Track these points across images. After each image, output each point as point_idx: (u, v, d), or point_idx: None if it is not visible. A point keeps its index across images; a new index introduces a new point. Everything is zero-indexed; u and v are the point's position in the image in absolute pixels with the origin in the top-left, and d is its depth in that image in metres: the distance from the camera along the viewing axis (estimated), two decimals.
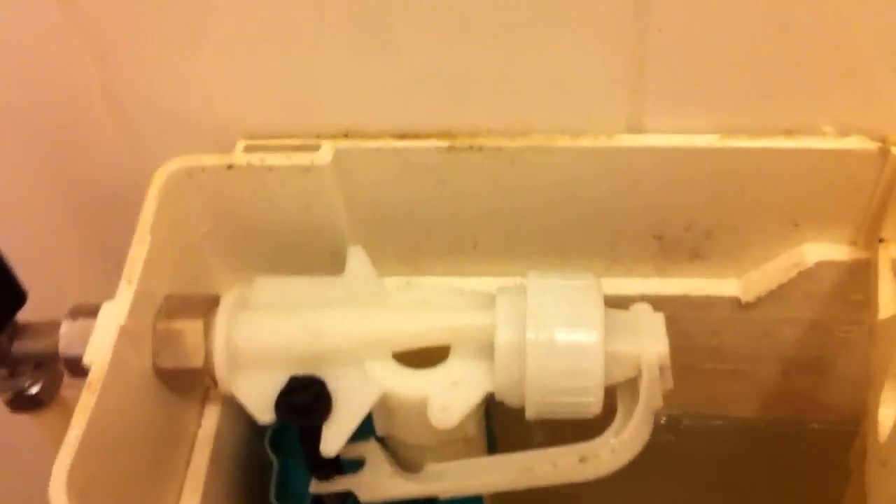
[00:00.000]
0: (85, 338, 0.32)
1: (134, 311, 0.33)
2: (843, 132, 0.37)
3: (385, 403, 0.35)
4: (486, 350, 0.34)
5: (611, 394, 0.34)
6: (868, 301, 0.38)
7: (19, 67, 0.38)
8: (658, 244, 0.41)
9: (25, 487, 0.36)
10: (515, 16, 0.35)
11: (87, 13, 0.36)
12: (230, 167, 0.37)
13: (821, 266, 0.40)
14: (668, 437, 0.50)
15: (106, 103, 0.39)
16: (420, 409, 0.34)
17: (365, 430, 0.36)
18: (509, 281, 0.36)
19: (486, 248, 0.42)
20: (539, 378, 0.33)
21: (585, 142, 0.37)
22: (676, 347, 0.44)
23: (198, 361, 0.34)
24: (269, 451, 0.40)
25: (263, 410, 0.34)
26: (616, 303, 0.41)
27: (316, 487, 0.37)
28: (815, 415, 0.49)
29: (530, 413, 0.34)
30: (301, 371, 0.35)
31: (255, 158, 0.37)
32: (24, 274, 0.35)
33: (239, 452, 0.41)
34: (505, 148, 0.38)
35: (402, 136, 0.38)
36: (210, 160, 0.37)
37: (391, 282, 0.42)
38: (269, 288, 0.37)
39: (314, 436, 0.34)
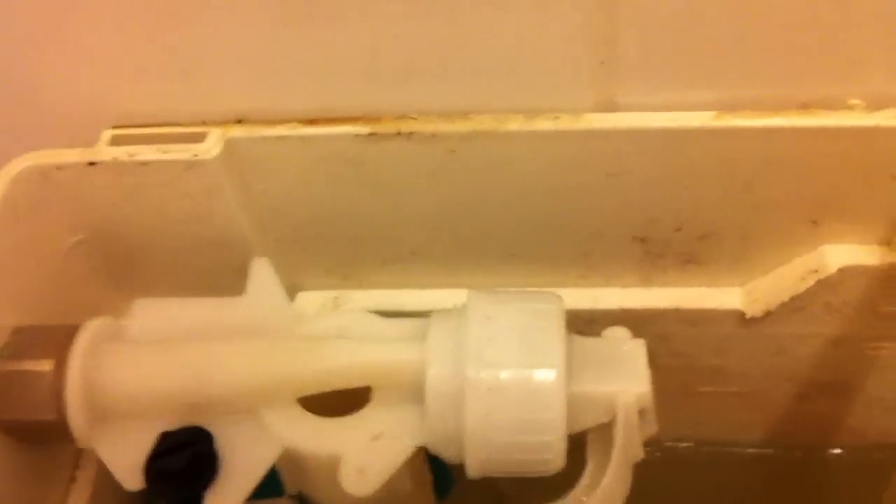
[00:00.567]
0: None
1: None
2: (875, 105, 0.31)
3: (292, 459, 0.28)
4: (417, 394, 0.28)
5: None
6: None
7: None
8: (642, 248, 0.35)
9: None
10: None
11: None
12: (92, 164, 0.30)
13: (845, 272, 0.35)
14: (666, 466, 0.45)
15: None
16: (333, 470, 0.28)
17: (276, 485, 0.30)
18: (458, 297, 0.30)
19: (430, 257, 0.36)
20: (482, 430, 0.27)
21: (543, 124, 0.32)
22: (670, 368, 0.39)
23: (49, 412, 0.28)
24: None
25: (135, 475, 0.28)
26: (591, 318, 0.35)
27: None
28: (837, 440, 0.43)
29: (473, 472, 0.28)
30: (184, 422, 0.28)
31: (122, 153, 0.30)
32: None
33: None
34: (441, 134, 0.32)
35: (312, 122, 0.32)
36: (68, 156, 0.30)
37: (316, 298, 0.37)
38: (149, 314, 0.30)
39: None
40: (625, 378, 0.28)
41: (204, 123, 0.32)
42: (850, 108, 0.31)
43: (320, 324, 0.30)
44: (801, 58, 0.31)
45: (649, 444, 0.31)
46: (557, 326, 0.28)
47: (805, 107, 0.31)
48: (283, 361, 0.29)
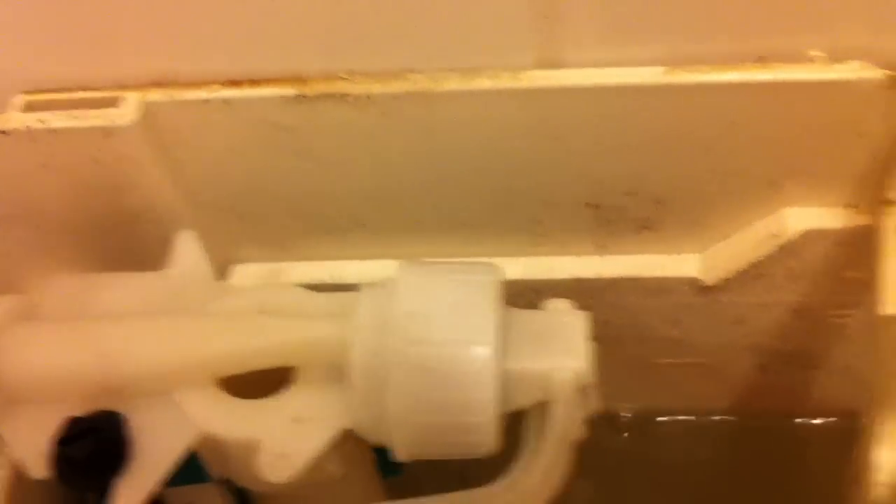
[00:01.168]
0: None
1: None
2: (838, 57, 0.30)
3: (211, 444, 0.27)
4: (341, 373, 0.26)
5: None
6: (869, 280, 0.31)
7: None
8: (594, 214, 0.34)
9: None
10: None
11: None
12: (4, 133, 0.28)
13: (808, 236, 0.33)
14: (630, 436, 0.44)
15: None
16: (254, 455, 0.26)
17: (198, 471, 0.28)
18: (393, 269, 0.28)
19: (370, 227, 0.34)
20: (407, 411, 0.26)
21: (482, 82, 0.30)
22: (626, 339, 0.37)
23: None
24: None
25: (41, 462, 0.26)
26: (544, 288, 0.34)
27: None
28: (802, 409, 0.42)
29: (401, 454, 0.27)
30: (97, 406, 0.27)
31: (34, 119, 0.28)
32: None
33: None
34: (374, 95, 0.30)
35: (236, 84, 0.30)
36: None
37: (253, 270, 0.35)
38: (63, 291, 0.29)
39: (102, 494, 0.25)
40: (561, 353, 0.26)
41: (122, 87, 0.30)
42: (811, 60, 0.30)
43: (242, 299, 0.29)
44: (757, 6, 0.29)
45: (604, 415, 0.29)
46: (492, 299, 0.26)
47: (762, 59, 0.30)
48: (198, 339, 0.27)
